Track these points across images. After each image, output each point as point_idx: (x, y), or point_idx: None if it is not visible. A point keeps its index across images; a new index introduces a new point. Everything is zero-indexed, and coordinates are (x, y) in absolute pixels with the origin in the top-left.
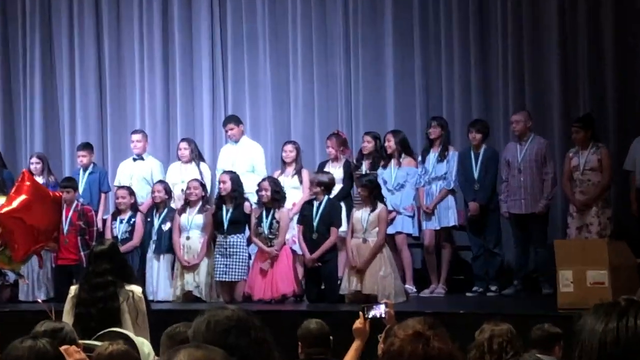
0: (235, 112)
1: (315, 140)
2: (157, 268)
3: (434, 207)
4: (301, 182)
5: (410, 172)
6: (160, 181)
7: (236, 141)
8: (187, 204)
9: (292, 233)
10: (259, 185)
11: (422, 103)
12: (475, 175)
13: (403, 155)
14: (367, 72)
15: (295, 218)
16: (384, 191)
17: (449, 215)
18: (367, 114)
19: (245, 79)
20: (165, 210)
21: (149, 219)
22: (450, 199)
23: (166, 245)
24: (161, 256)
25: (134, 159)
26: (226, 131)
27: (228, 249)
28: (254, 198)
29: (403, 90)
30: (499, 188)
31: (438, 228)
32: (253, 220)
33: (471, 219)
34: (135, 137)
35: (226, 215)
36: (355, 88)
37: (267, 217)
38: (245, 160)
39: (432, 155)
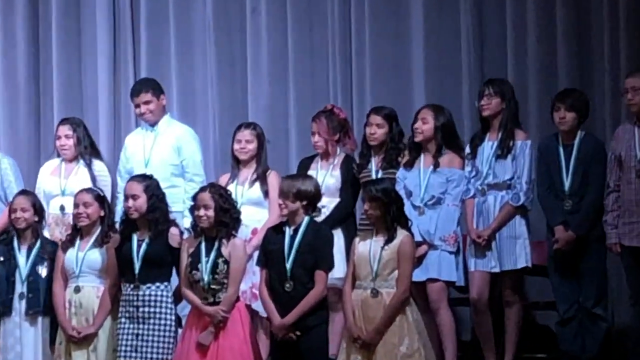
0: (154, 76)
1: (289, 124)
2: (26, 340)
3: (491, 234)
4: (266, 193)
5: (454, 175)
6: (23, 193)
7: (153, 124)
8: (76, 232)
9: (252, 280)
10: (193, 199)
11: (473, 65)
12: (566, 182)
13: (444, 148)
14: (379, 19)
15: (257, 255)
16: (408, 208)
17: (517, 250)
18: (377, 82)
19: (170, 23)
20: (38, 244)
21: (2, 258)
22: (519, 222)
23: (40, 302)
24: (33, 320)
25: None
26: (136, 107)
27: (142, 309)
28: (186, 222)
29: (439, 46)
30: (605, 203)
31: (498, 271)
32: (184, 259)
33: (558, 256)
34: None
35: (138, 251)
36: (359, 40)
37: (207, 253)
38: (169, 155)
39: (488, 145)
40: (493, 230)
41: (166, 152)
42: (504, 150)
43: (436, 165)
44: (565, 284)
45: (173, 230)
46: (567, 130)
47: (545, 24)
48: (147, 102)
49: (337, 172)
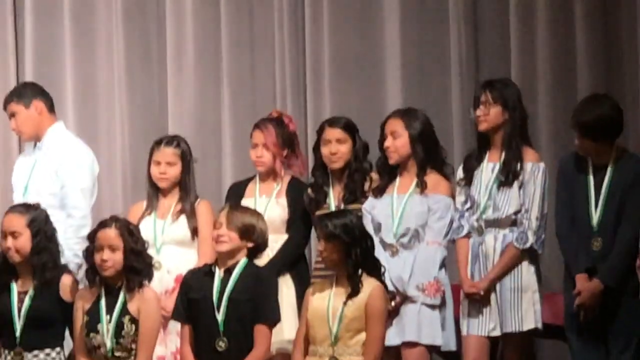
0: (43, 74)
1: (223, 136)
2: None
3: (490, 286)
4: (195, 230)
5: (437, 204)
6: None
7: (37, 141)
8: None
9: (177, 344)
10: (91, 238)
11: (464, 60)
12: (595, 216)
13: (427, 168)
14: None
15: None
16: (377, 248)
17: (524, 307)
18: (338, 82)
19: (64, 5)
20: None
21: None
22: (526, 270)
23: None
24: None
25: None
26: (11, 118)
27: None
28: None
29: (420, 34)
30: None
31: (499, 334)
32: (79, 318)
33: (580, 313)
34: None
35: (19, 306)
36: (315, 28)
37: (109, 310)
38: (47, 181)
39: (487, 169)
40: (492, 281)
41: (44, 177)
42: (508, 175)
43: (423, 187)
44: (588, 350)
45: (65, 280)
46: (591, 155)
47: (560, 5)
48: (13, 114)
49: (284, 200)
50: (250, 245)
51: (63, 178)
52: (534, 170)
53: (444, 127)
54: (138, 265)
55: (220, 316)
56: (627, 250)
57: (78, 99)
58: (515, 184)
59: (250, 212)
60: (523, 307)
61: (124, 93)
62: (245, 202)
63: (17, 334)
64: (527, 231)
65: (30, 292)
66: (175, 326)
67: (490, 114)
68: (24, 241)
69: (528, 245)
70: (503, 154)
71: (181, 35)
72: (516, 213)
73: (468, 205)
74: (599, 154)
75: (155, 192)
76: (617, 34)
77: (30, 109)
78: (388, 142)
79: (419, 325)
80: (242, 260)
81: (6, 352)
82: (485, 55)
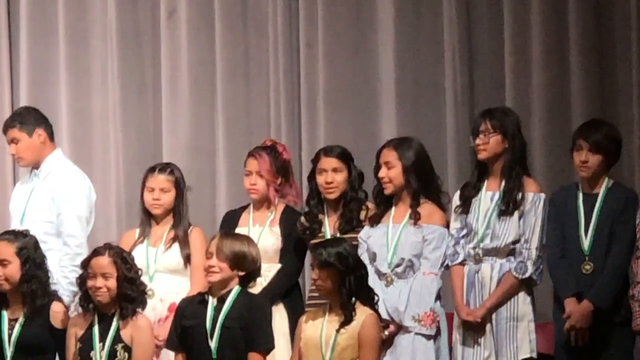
0: (36, 100)
1: (217, 163)
2: None
3: (487, 314)
4: (187, 258)
5: (432, 234)
6: None
7: (35, 167)
8: None
9: None
10: (84, 266)
11: (459, 86)
12: (586, 241)
13: (420, 197)
14: (336, 26)
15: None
16: (372, 277)
17: (519, 336)
18: (332, 108)
19: (59, 31)
20: None
21: None
22: (522, 299)
23: None
24: None
25: None
26: (9, 145)
27: None
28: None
29: (415, 61)
30: (632, 272)
31: None
32: (72, 346)
33: (570, 338)
34: None
35: (10, 334)
36: (310, 54)
37: (102, 337)
38: (43, 209)
39: (486, 198)
40: (489, 309)
41: (41, 204)
42: (509, 204)
43: (416, 217)
44: None
45: (55, 307)
46: (589, 178)
47: (555, 29)
48: (14, 140)
49: (277, 229)
50: (241, 273)
51: (59, 205)
52: (535, 200)
53: (439, 157)
54: (132, 293)
55: (213, 344)
56: (618, 273)
57: (73, 126)
58: (516, 214)
59: (240, 239)
60: (518, 336)
61: (118, 120)
62: (239, 231)
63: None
64: (526, 261)
65: (21, 319)
66: (167, 354)
67: (490, 143)
68: (14, 269)
69: (527, 275)
70: (503, 183)
71: (176, 63)
72: (514, 242)
73: (464, 232)
74: (595, 177)
75: (148, 219)
76: (611, 61)
77: (34, 137)
78: (382, 173)
79: (414, 354)
80: (235, 289)
81: None
82: (479, 84)
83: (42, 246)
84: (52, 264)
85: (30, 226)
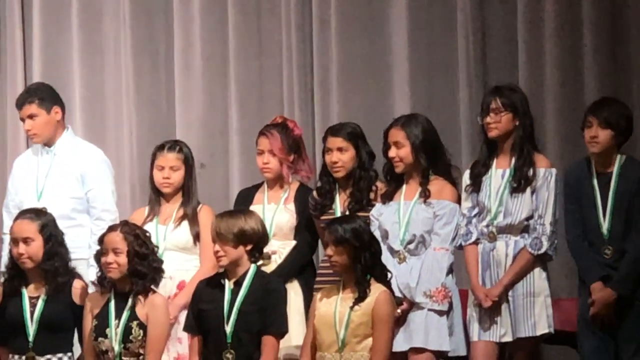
0: (49, 79)
1: (230, 141)
2: None
3: (503, 292)
4: (197, 236)
5: (443, 209)
6: None
7: (47, 144)
8: None
9: (178, 350)
10: (100, 242)
11: (472, 64)
12: (604, 224)
13: (431, 173)
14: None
15: (184, 317)
16: (385, 255)
17: (536, 311)
18: (346, 87)
19: (72, 8)
20: None
21: None
22: (538, 275)
23: None
24: None
25: None
26: (23, 120)
27: None
28: (91, 273)
29: (428, 40)
30: None
31: (510, 340)
32: (89, 322)
33: (593, 320)
34: None
35: (32, 311)
36: (322, 31)
37: (118, 314)
38: (69, 185)
39: (497, 175)
40: (505, 287)
41: (65, 181)
42: (521, 181)
43: (426, 195)
44: (599, 355)
45: (77, 284)
46: (599, 153)
47: (567, 9)
48: (31, 116)
49: (292, 206)
50: (248, 247)
51: (90, 182)
52: (547, 175)
53: (452, 132)
54: (142, 269)
55: (228, 328)
56: (638, 257)
57: (86, 105)
58: (528, 190)
59: (236, 216)
60: (536, 312)
61: (131, 99)
62: (254, 209)
63: (30, 338)
64: (541, 237)
65: (43, 296)
66: (176, 332)
67: (502, 121)
68: (37, 247)
69: (542, 250)
70: (514, 160)
71: (189, 41)
72: (528, 219)
73: (476, 211)
74: (607, 154)
75: (157, 197)
76: (624, 40)
77: (51, 114)
78: (392, 153)
79: (426, 331)
80: (251, 270)
81: (17, 357)
82: (492, 59)
83: (70, 222)
84: (81, 240)
85: (51, 203)
